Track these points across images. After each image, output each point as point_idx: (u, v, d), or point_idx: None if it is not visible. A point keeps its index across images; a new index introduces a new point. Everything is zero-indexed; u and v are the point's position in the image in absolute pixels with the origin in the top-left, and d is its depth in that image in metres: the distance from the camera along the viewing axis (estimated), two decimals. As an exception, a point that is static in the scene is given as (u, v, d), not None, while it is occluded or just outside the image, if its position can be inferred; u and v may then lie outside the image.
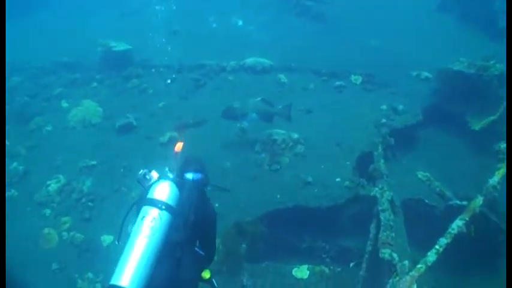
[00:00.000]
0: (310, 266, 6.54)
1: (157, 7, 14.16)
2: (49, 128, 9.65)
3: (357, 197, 7.03)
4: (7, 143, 9.17)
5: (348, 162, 7.61)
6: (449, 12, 13.36)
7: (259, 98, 8.07)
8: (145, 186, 3.73)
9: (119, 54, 10.98)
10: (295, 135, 8.11)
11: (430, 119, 8.89)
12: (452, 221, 6.09)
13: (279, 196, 7.13)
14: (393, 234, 6.14)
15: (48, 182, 8.30)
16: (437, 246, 5.44)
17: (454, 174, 7.88)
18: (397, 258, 5.81)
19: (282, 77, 10.27)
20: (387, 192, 6.77)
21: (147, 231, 3.26)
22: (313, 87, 9.96)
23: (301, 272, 6.44)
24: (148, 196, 3.50)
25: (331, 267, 6.56)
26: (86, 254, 7.25)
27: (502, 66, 8.26)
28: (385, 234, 6.09)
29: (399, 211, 6.76)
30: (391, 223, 6.28)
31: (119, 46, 10.98)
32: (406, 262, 5.56)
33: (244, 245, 6.59)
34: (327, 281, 6.41)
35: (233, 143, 8.47)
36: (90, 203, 7.91)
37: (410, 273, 5.21)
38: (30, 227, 7.71)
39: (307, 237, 6.98)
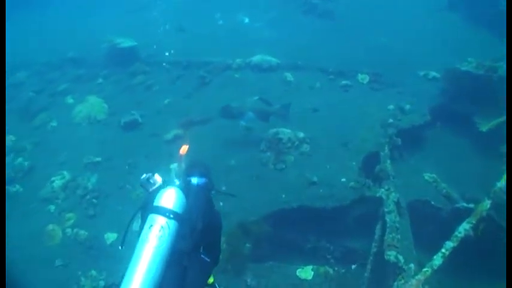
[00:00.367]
0: (315, 266, 6.49)
1: (163, 4, 14.19)
2: (54, 123, 9.66)
3: (362, 198, 6.95)
4: (12, 138, 9.18)
5: (354, 163, 7.55)
6: (457, 12, 13.22)
7: (256, 97, 8.07)
8: (148, 190, 3.68)
9: (125, 51, 10.97)
10: (301, 134, 8.05)
11: (438, 119, 8.80)
12: (458, 223, 6.04)
13: (283, 196, 7.07)
14: (399, 236, 6.09)
15: (53, 178, 8.30)
16: (443, 250, 5.38)
17: (460, 175, 7.81)
18: (402, 261, 5.76)
19: (288, 76, 10.21)
20: (393, 194, 6.72)
21: (155, 241, 3.20)
22: (320, 86, 9.90)
23: (306, 272, 6.40)
24: (155, 204, 3.42)
25: (336, 268, 6.51)
26: (89, 251, 7.23)
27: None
28: (390, 236, 6.04)
29: (405, 213, 6.69)
30: (397, 225, 6.23)
31: (125, 42, 10.97)
32: (412, 265, 5.50)
33: (248, 245, 6.55)
34: (331, 282, 6.35)
35: (238, 141, 8.42)
36: (94, 200, 7.90)
37: (416, 277, 5.16)
38: (35, 223, 7.71)
39: (312, 237, 6.92)
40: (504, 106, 7.18)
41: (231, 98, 8.70)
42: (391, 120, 8.33)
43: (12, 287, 6.74)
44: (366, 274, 6.17)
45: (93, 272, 6.87)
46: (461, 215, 6.28)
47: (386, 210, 6.44)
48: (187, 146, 3.96)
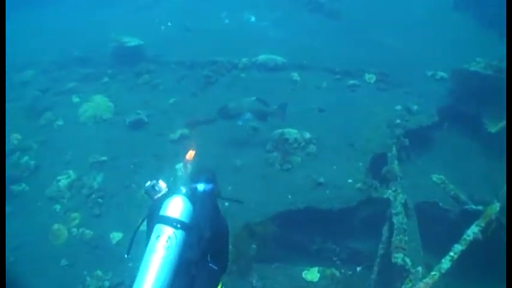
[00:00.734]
0: (321, 268, 6.46)
1: (169, 3, 14.17)
2: (60, 122, 9.63)
3: (369, 200, 6.90)
4: (18, 137, 9.16)
5: (361, 163, 7.50)
6: (464, 11, 13.13)
7: (254, 98, 8.04)
8: (153, 198, 3.64)
9: (131, 50, 10.94)
10: (307, 135, 8.01)
11: (445, 120, 8.74)
12: (467, 225, 5.98)
13: (290, 196, 7.03)
14: (406, 238, 6.04)
15: (59, 177, 8.27)
16: (451, 253, 5.33)
17: (469, 176, 7.76)
18: (410, 263, 5.72)
19: (295, 75, 10.16)
20: (401, 195, 6.68)
21: (162, 252, 3.17)
22: (326, 86, 9.84)
23: (312, 274, 6.36)
24: (161, 213, 3.37)
25: (342, 271, 6.47)
26: (95, 250, 7.20)
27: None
28: (398, 238, 6.00)
29: (413, 214, 6.64)
30: (405, 226, 6.19)
31: (131, 41, 10.94)
32: (419, 268, 5.45)
33: (254, 246, 6.50)
34: (337, 284, 6.33)
35: (244, 141, 8.38)
36: (100, 199, 7.87)
37: (424, 280, 5.11)
38: (40, 222, 7.68)
39: (318, 238, 6.88)
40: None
41: (236, 97, 8.64)
42: (398, 121, 8.28)
43: (18, 286, 6.76)
44: (372, 276, 6.14)
45: (99, 272, 6.85)
46: (469, 217, 6.23)
47: (393, 211, 6.40)
48: (194, 152, 3.91)
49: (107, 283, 6.74)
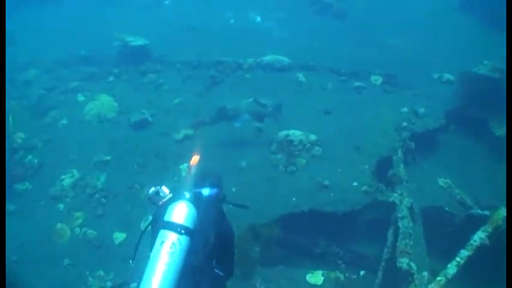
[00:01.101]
0: (325, 272, 6.40)
1: (175, 2, 14.13)
2: (65, 121, 9.61)
3: (374, 203, 6.84)
4: (22, 135, 9.14)
5: (366, 166, 7.43)
6: (471, 13, 13.04)
7: (251, 99, 8.03)
8: (157, 204, 3.60)
9: (136, 49, 10.91)
10: (313, 137, 7.95)
11: (452, 123, 8.67)
12: (473, 230, 5.92)
13: (294, 199, 6.98)
14: (412, 242, 5.98)
15: (63, 177, 8.26)
16: (458, 259, 5.28)
17: (475, 180, 7.69)
18: (415, 268, 5.65)
19: (300, 76, 10.10)
20: (406, 199, 6.62)
21: (166, 258, 3.14)
22: (332, 87, 9.79)
23: (316, 277, 6.30)
24: (166, 219, 3.34)
25: (347, 274, 6.41)
26: (97, 250, 7.17)
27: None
28: (403, 242, 5.94)
29: (418, 218, 6.57)
30: (410, 231, 6.13)
31: (136, 41, 10.91)
32: (425, 273, 5.39)
33: (257, 248, 6.45)
34: (341, 288, 6.27)
35: (249, 142, 8.34)
36: (103, 199, 7.85)
37: (430, 286, 5.06)
38: (43, 221, 7.67)
39: (322, 242, 6.81)
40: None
41: (241, 98, 8.59)
42: (404, 124, 8.21)
43: (20, 285, 6.73)
44: (377, 281, 6.07)
45: (101, 272, 6.82)
46: (475, 222, 6.18)
47: (399, 215, 6.33)
48: (198, 156, 3.87)
49: (109, 283, 6.71)
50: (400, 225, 6.19)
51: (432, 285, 5.07)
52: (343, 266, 6.60)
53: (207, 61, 10.79)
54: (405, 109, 8.69)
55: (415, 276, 5.58)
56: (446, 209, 6.83)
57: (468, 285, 5.92)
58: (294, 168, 7.55)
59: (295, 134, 7.91)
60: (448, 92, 9.38)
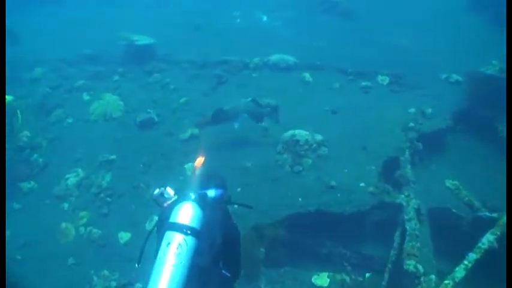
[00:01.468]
0: (331, 273, 6.36)
1: (181, 1, 14.10)
2: (70, 120, 9.61)
3: (381, 204, 6.76)
4: (28, 134, 9.15)
5: (373, 167, 7.34)
6: (479, 12, 12.91)
7: (249, 99, 7.98)
8: (162, 205, 3.59)
9: (142, 48, 10.89)
10: (319, 137, 7.86)
11: (460, 124, 8.58)
12: (480, 233, 5.86)
13: (300, 199, 6.92)
14: (418, 244, 5.91)
15: (68, 176, 8.26)
16: (466, 262, 5.22)
17: (483, 182, 7.59)
18: (422, 270, 5.60)
19: (307, 76, 10.03)
20: (413, 200, 6.55)
21: (173, 260, 3.13)
22: (339, 87, 9.71)
23: (321, 279, 6.26)
24: (171, 220, 3.33)
25: (353, 276, 6.35)
26: (102, 250, 7.17)
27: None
28: (410, 244, 5.90)
29: (425, 220, 6.50)
30: (417, 233, 6.07)
31: (142, 40, 10.88)
32: (432, 276, 5.32)
33: (262, 249, 6.40)
34: (347, 290, 6.22)
35: (255, 142, 8.27)
36: (108, 199, 7.84)
37: (437, 289, 4.99)
38: (48, 220, 7.68)
39: (328, 243, 6.75)
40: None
41: (248, 97, 8.53)
42: (412, 124, 8.12)
43: (24, 285, 6.73)
44: (383, 283, 6.00)
45: (106, 272, 6.82)
46: (483, 224, 6.11)
47: (406, 217, 6.27)
48: (203, 158, 3.86)
49: (113, 283, 6.71)
50: (407, 227, 6.13)
51: (440, 288, 5.01)
52: (349, 268, 6.53)
53: (213, 60, 10.74)
54: (412, 109, 8.60)
55: (422, 279, 5.52)
56: (454, 210, 6.72)
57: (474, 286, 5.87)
58: (300, 169, 7.47)
59: (301, 133, 7.84)
60: (456, 92, 9.28)
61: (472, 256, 5.27)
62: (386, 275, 6.00)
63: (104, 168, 8.34)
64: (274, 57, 10.58)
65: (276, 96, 9.28)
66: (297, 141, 7.75)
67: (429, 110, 8.50)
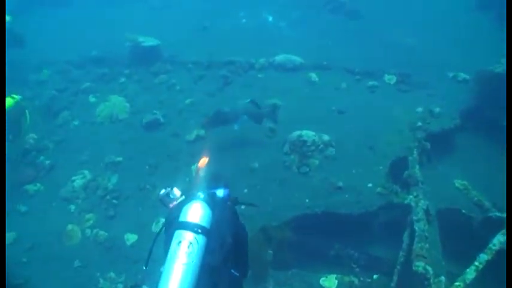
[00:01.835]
0: (339, 275, 6.28)
1: (187, 2, 14.08)
2: (76, 122, 9.61)
3: (389, 205, 6.69)
4: (34, 136, 9.15)
5: (381, 167, 7.28)
6: (486, 11, 12.79)
7: (248, 100, 7.92)
8: (168, 206, 3.56)
9: (147, 50, 10.88)
10: (326, 137, 7.80)
11: (468, 123, 8.48)
12: (491, 233, 5.78)
13: (307, 200, 6.86)
14: (428, 245, 5.84)
15: (74, 178, 8.25)
16: (476, 263, 5.14)
17: (492, 182, 7.47)
18: (431, 272, 5.52)
19: (313, 76, 9.96)
20: (422, 201, 6.47)
21: (184, 258, 3.09)
22: (346, 87, 9.63)
23: (329, 281, 6.19)
24: (181, 219, 3.30)
25: (361, 278, 6.28)
26: (108, 252, 7.13)
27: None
28: (419, 245, 5.81)
29: (434, 221, 6.42)
30: (426, 234, 5.99)
31: (148, 41, 10.87)
32: (442, 278, 5.24)
33: (270, 251, 6.35)
34: (356, 292, 6.15)
35: (261, 142, 8.23)
36: (114, 201, 7.81)
37: (448, 291, 4.91)
38: (54, 222, 7.65)
39: (336, 244, 6.68)
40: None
41: (253, 98, 8.49)
42: (420, 124, 8.04)
43: (30, 287, 6.73)
44: (392, 285, 5.93)
45: (112, 274, 6.79)
46: (493, 225, 6.02)
47: (415, 218, 6.19)
48: (207, 158, 3.85)
49: (120, 286, 6.67)
50: (416, 228, 6.05)
51: (450, 290, 4.93)
52: (357, 269, 6.46)
53: (219, 61, 10.71)
54: (420, 109, 8.52)
55: (431, 281, 5.44)
56: (463, 211, 6.66)
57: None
58: (307, 169, 7.42)
59: (308, 134, 7.78)
60: (464, 91, 9.20)
61: (483, 257, 5.19)
62: (395, 277, 5.93)
63: (110, 170, 8.33)
64: (280, 58, 10.52)
65: (282, 96, 9.25)
66: (304, 141, 7.69)
67: (437, 109, 8.42)
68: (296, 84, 9.83)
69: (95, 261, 7.03)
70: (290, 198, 6.98)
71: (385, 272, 6.34)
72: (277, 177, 7.40)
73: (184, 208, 3.36)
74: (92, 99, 10.17)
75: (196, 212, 3.30)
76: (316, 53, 10.84)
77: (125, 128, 9.32)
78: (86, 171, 8.34)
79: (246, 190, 7.14)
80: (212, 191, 3.59)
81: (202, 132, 8.59)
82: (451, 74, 9.75)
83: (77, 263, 6.99)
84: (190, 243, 3.13)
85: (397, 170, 7.23)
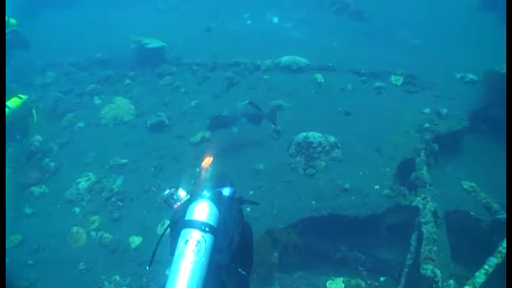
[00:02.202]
0: (346, 278, 6.21)
1: (192, 4, 14.07)
2: (81, 124, 9.59)
3: (397, 207, 6.61)
4: (40, 138, 9.13)
5: (388, 169, 7.19)
6: (493, 11, 12.71)
7: (246, 101, 7.87)
8: (173, 206, 3.53)
9: (152, 52, 10.88)
10: (332, 139, 7.74)
11: (476, 124, 8.39)
12: (499, 236, 5.70)
13: (313, 203, 6.80)
14: (436, 248, 5.76)
15: (79, 180, 8.21)
16: (486, 266, 5.05)
17: (501, 184, 7.36)
18: (439, 275, 5.44)
19: (319, 77, 9.90)
20: (430, 203, 6.39)
21: (192, 257, 3.06)
22: (352, 88, 9.56)
23: (336, 284, 6.11)
24: (188, 218, 3.27)
25: (368, 281, 6.21)
26: (113, 255, 7.08)
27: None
28: (427, 248, 5.74)
29: (442, 223, 6.34)
30: (434, 236, 5.91)
31: (152, 43, 10.87)
32: (451, 282, 5.17)
33: (276, 254, 6.29)
34: (363, 295, 6.08)
35: (267, 144, 8.18)
36: (119, 203, 7.77)
37: (457, 295, 4.83)
38: (59, 224, 7.60)
39: (343, 247, 6.62)
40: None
41: (259, 99, 8.44)
42: (427, 125, 7.96)
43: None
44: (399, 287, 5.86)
45: (117, 277, 6.73)
46: (502, 227, 5.94)
47: (423, 220, 6.11)
48: (211, 158, 3.82)
49: (124, 289, 6.62)
50: (424, 231, 5.98)
51: (460, 293, 4.86)
52: (364, 272, 6.39)
53: (224, 63, 10.69)
54: (427, 110, 8.44)
55: (439, 284, 5.37)
56: (472, 213, 6.57)
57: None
58: (313, 171, 7.35)
59: (314, 135, 7.71)
60: (471, 92, 9.09)
61: (493, 260, 5.10)
62: (402, 280, 5.87)
63: (115, 172, 8.30)
64: (286, 59, 10.48)
65: (288, 98, 9.20)
66: (310, 143, 7.63)
67: (444, 110, 8.33)
68: (302, 86, 9.78)
69: (99, 263, 6.98)
70: (296, 200, 6.92)
71: (392, 275, 6.27)
72: (283, 179, 7.33)
73: (190, 207, 3.34)
74: (97, 101, 10.16)
75: (203, 210, 3.28)
76: (322, 54, 10.79)
77: (129, 130, 9.30)
78: (91, 174, 8.30)
79: (251, 192, 7.08)
80: (218, 189, 3.55)
81: (207, 134, 8.54)
82: (458, 75, 9.64)
83: (81, 266, 6.94)
84: (198, 241, 3.10)
85: (405, 172, 7.16)
